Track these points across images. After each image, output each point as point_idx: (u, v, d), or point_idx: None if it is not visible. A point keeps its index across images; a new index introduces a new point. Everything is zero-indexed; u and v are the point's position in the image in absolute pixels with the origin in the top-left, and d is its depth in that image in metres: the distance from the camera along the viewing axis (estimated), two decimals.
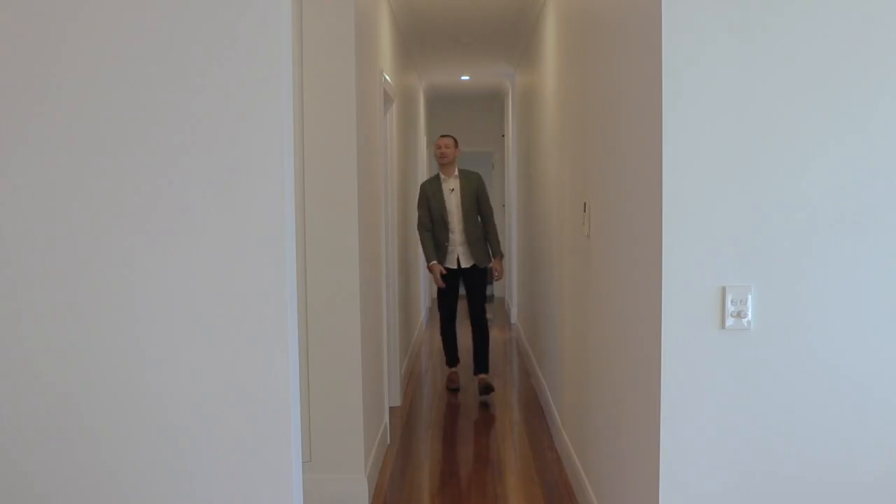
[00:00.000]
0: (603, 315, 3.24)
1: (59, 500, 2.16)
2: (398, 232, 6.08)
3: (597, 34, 3.38)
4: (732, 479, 2.28)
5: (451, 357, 6.45)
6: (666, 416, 2.28)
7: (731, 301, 2.23)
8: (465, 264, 6.10)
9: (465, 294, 6.19)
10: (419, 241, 6.31)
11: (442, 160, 6.08)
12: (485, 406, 5.80)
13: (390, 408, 5.48)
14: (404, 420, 5.43)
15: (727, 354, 2.26)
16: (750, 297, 2.24)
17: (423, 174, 9.51)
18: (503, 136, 11.44)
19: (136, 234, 2.11)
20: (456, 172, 6.10)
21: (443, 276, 6.14)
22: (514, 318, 9.17)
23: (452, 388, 6.24)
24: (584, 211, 3.67)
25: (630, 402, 2.71)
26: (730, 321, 2.24)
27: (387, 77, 5.14)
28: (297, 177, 3.60)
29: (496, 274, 6.23)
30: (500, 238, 7.87)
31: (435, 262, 6.11)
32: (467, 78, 9.47)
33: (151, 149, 2.10)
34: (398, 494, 4.07)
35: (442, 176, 6.12)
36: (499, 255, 6.15)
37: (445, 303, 6.29)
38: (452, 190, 6.04)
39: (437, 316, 6.74)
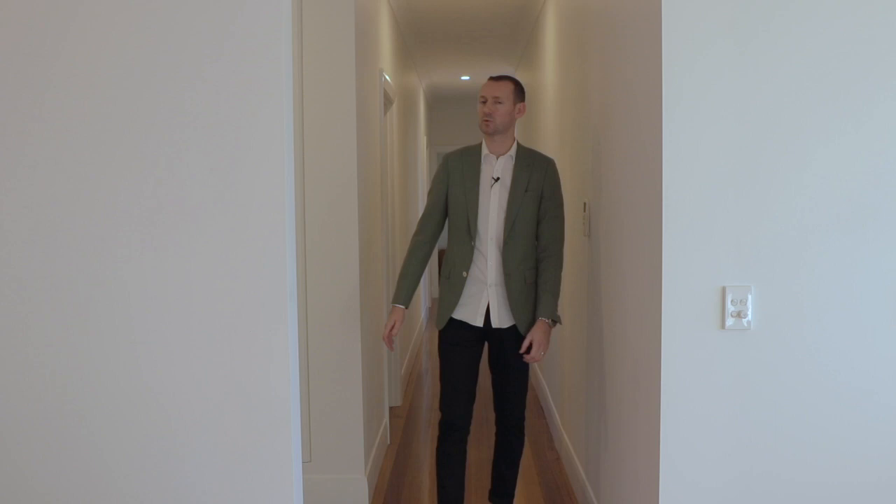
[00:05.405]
0: (603, 315, 3.24)
1: (58, 500, 2.16)
2: (398, 232, 6.07)
3: (597, 35, 3.38)
4: (732, 480, 2.28)
5: None
6: (666, 416, 2.28)
7: (731, 301, 2.23)
8: (499, 322, 3.24)
9: (492, 377, 3.39)
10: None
11: (485, 126, 3.24)
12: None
13: (390, 408, 5.48)
14: (404, 420, 5.43)
15: (727, 354, 2.26)
16: (750, 297, 2.24)
17: (423, 175, 9.45)
18: None
19: (136, 234, 2.11)
20: (513, 150, 3.28)
21: (452, 339, 3.27)
22: None
23: None
24: (584, 211, 3.67)
25: (630, 402, 2.71)
26: (730, 321, 2.24)
27: (387, 77, 5.14)
28: (297, 177, 3.60)
29: (535, 349, 3.16)
30: None
31: (401, 305, 3.29)
32: (467, 78, 9.47)
33: (151, 149, 2.10)
34: (398, 494, 4.07)
35: (485, 149, 3.29)
36: (552, 315, 3.21)
37: (455, 396, 3.28)
38: (498, 179, 3.24)
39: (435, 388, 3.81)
